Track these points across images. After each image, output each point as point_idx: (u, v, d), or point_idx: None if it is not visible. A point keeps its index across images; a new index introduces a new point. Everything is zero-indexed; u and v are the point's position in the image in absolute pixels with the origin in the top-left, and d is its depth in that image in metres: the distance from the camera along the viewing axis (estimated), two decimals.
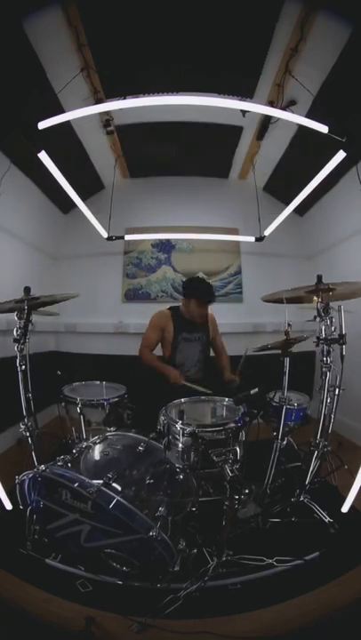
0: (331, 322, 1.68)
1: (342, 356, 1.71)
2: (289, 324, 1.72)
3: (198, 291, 2.17)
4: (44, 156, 1.80)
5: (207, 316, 2.33)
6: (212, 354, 2.42)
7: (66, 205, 3.23)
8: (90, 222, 2.71)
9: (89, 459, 1.35)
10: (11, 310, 1.67)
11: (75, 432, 1.89)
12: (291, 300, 1.79)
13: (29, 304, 1.64)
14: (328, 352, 1.69)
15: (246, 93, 2.24)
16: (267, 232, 2.84)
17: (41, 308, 1.79)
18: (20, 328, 1.65)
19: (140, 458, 1.41)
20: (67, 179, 2.09)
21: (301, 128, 2.07)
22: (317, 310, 1.70)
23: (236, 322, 3.19)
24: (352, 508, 1.59)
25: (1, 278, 2.37)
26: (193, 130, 2.71)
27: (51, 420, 2.79)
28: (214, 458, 1.26)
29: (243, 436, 1.38)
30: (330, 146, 1.79)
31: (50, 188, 2.54)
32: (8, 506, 1.56)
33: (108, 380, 2.18)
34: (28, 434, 1.67)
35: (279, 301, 1.76)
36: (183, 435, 1.33)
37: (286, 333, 1.70)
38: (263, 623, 1.13)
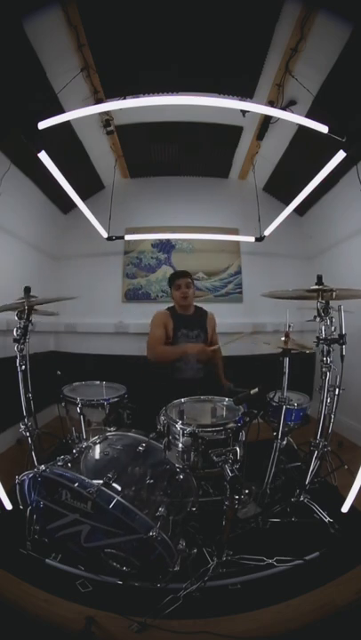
0: (331, 322, 1.68)
1: (342, 356, 1.71)
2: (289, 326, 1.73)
3: (172, 276, 2.37)
4: (44, 156, 1.80)
5: (206, 314, 2.39)
6: None
7: (66, 205, 3.24)
8: (90, 222, 2.71)
9: (89, 459, 1.35)
10: (11, 309, 1.68)
11: (75, 432, 1.89)
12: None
13: (29, 304, 1.64)
14: (328, 352, 1.69)
15: (246, 93, 2.24)
16: (267, 232, 2.84)
17: (39, 306, 1.79)
18: (20, 328, 1.65)
19: (140, 458, 1.41)
20: (67, 179, 2.08)
21: (301, 128, 2.07)
22: (317, 310, 1.70)
23: (236, 322, 3.19)
24: (352, 507, 1.59)
25: (1, 278, 2.37)
26: (193, 130, 2.71)
27: (51, 420, 2.79)
28: (214, 458, 1.27)
29: (243, 436, 1.38)
30: (330, 146, 1.78)
31: (50, 187, 2.54)
32: (8, 506, 1.56)
33: (108, 380, 2.18)
34: (27, 434, 1.67)
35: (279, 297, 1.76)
36: (183, 435, 1.33)
37: (286, 336, 1.71)
38: (263, 623, 1.13)
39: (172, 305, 2.40)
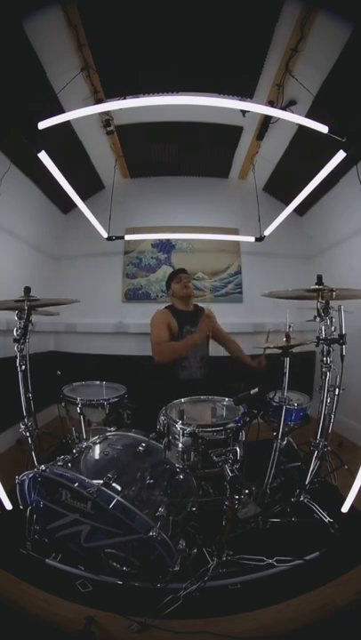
0: (331, 322, 1.68)
1: (342, 356, 1.71)
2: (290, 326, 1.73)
3: (171, 273, 2.45)
4: (44, 156, 1.80)
5: (203, 310, 2.37)
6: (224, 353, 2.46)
7: (66, 205, 3.24)
8: (90, 222, 2.71)
9: (89, 459, 1.35)
10: (10, 309, 1.67)
11: (75, 432, 1.89)
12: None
13: (29, 305, 1.64)
14: (328, 352, 1.69)
15: (246, 93, 2.24)
16: (267, 232, 2.84)
17: (40, 308, 1.79)
18: (20, 328, 1.65)
19: (140, 458, 1.40)
20: (67, 179, 2.08)
21: (301, 128, 2.07)
22: (317, 310, 1.70)
23: (236, 322, 3.19)
24: (352, 507, 1.59)
25: (1, 278, 2.37)
26: (193, 130, 2.71)
27: (51, 420, 2.79)
28: (214, 458, 1.26)
29: (243, 436, 1.38)
30: (330, 146, 1.78)
31: (50, 187, 2.54)
32: (8, 506, 1.56)
33: (108, 380, 2.18)
34: (27, 434, 1.67)
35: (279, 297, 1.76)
36: (183, 435, 1.33)
37: (287, 336, 1.71)
38: (263, 623, 1.13)
39: (169, 304, 2.40)
